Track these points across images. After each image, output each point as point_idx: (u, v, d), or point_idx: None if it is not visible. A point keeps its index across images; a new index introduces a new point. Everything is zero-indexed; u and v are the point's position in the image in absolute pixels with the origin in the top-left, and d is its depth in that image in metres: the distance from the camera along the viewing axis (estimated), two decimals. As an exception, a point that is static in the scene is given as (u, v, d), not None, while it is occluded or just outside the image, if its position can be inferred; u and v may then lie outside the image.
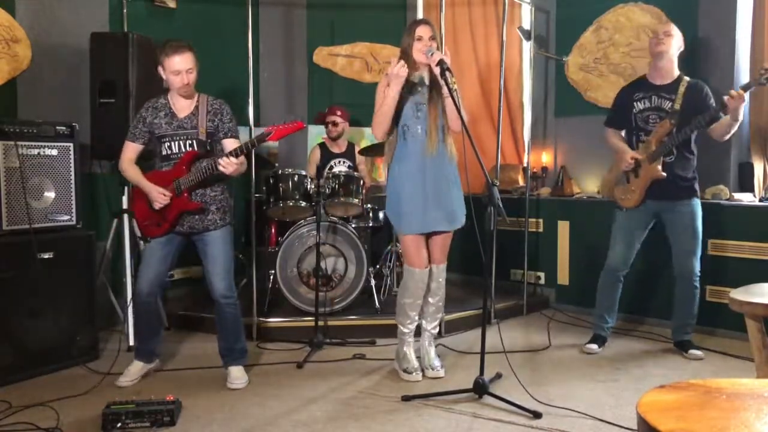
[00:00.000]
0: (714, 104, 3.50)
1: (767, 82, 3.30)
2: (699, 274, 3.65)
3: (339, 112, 4.85)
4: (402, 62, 3.11)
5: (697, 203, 3.64)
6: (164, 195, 3.06)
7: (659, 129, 3.54)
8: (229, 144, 3.18)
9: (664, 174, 3.53)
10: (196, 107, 3.15)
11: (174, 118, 3.13)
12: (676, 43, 3.57)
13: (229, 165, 2.99)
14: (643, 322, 4.40)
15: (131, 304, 3.32)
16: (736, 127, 3.47)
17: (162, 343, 3.40)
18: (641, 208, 3.65)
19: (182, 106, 3.15)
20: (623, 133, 3.79)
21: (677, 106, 3.51)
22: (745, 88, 3.35)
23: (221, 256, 3.18)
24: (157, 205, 3.07)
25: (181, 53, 3.02)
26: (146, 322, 3.27)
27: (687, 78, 3.59)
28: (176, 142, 3.12)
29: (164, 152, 3.14)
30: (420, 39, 3.16)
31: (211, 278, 3.18)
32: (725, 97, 3.35)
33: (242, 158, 3.07)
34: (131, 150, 3.17)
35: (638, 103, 3.64)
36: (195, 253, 3.25)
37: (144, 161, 3.27)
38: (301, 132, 5.52)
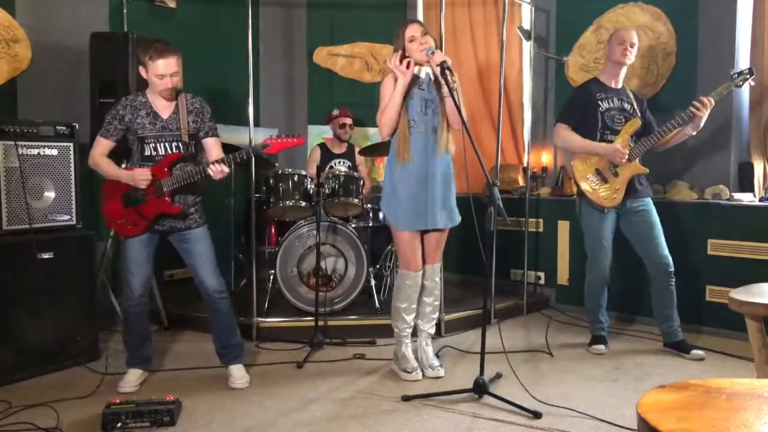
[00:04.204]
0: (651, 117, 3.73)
1: (742, 83, 3.43)
2: (673, 266, 3.65)
3: (348, 113, 4.85)
4: (409, 59, 3.09)
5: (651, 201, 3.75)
6: (146, 174, 2.95)
7: (629, 127, 3.62)
8: (211, 143, 3.12)
9: (647, 170, 3.61)
10: (177, 106, 3.06)
11: (157, 118, 3.03)
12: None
13: (219, 173, 2.93)
14: (634, 321, 4.41)
15: (122, 311, 3.19)
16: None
17: (152, 347, 3.32)
18: (618, 207, 3.66)
19: (163, 106, 3.05)
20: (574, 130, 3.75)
21: (637, 108, 3.67)
22: (717, 94, 3.43)
23: (208, 252, 3.14)
24: (142, 184, 2.96)
25: (166, 57, 2.91)
26: (140, 326, 3.19)
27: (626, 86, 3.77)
28: (161, 144, 3.04)
29: (147, 153, 3.03)
30: (413, 39, 3.12)
31: (202, 275, 3.13)
32: (692, 108, 3.42)
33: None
34: (103, 146, 3.03)
35: (603, 102, 3.68)
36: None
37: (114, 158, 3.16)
38: (302, 132, 5.55)
